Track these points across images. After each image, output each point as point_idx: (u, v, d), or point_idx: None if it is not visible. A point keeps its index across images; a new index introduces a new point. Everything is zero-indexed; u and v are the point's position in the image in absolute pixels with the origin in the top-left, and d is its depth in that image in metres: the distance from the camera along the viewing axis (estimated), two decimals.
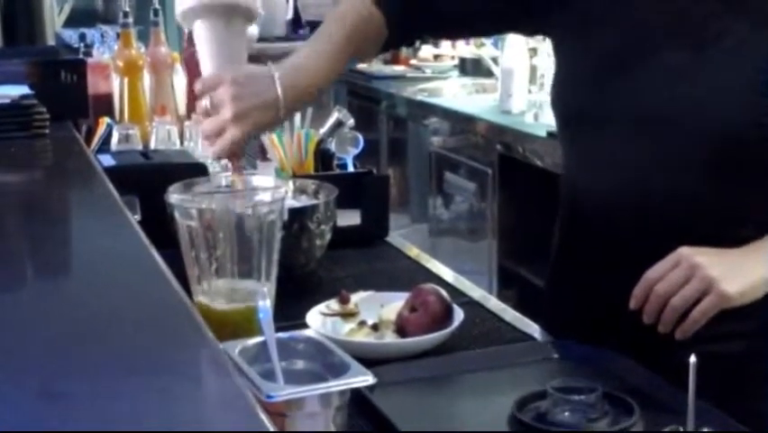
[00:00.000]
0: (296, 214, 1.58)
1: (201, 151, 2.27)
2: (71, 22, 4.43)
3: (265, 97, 1.32)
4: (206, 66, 1.45)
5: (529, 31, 1.71)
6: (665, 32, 1.32)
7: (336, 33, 1.41)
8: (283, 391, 1.04)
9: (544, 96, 3.31)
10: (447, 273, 1.74)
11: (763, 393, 1.35)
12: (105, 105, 2.47)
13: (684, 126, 1.29)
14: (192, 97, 2.60)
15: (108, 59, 2.61)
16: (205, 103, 1.34)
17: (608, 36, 1.37)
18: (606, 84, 1.36)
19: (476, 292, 1.64)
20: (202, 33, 1.44)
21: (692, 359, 1.01)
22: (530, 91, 3.47)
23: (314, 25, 5.73)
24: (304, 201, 1.66)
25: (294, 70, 1.36)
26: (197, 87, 1.35)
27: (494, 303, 1.61)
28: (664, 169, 1.32)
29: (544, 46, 3.38)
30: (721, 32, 1.29)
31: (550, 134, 2.99)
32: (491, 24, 1.60)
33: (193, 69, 2.62)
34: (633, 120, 1.33)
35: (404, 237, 2.08)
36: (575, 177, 1.45)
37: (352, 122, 1.99)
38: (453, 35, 1.77)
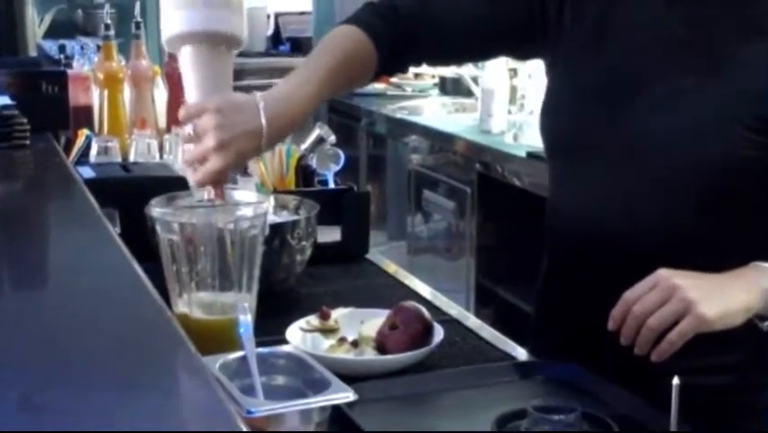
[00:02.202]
0: (276, 229, 1.58)
1: (180, 164, 2.27)
2: (51, 33, 4.42)
3: (249, 127, 1.30)
4: (191, 93, 1.43)
5: (521, 56, 1.65)
6: (657, 63, 1.32)
7: (325, 62, 1.40)
8: (263, 407, 1.04)
9: (524, 116, 3.33)
10: (426, 291, 1.74)
11: (749, 427, 1.35)
12: (84, 117, 2.46)
13: (672, 156, 1.29)
14: (172, 111, 2.60)
15: (88, 71, 2.60)
16: (188, 130, 1.32)
17: (599, 64, 1.37)
18: (595, 112, 1.36)
19: (454, 310, 1.64)
20: (187, 60, 1.43)
21: (675, 381, 1.01)
22: (510, 111, 3.48)
23: (294, 41, 5.77)
24: (285, 217, 1.66)
25: (280, 99, 1.34)
26: (181, 114, 1.34)
27: (472, 321, 1.61)
28: (651, 197, 1.32)
29: (525, 67, 3.39)
30: (718, 63, 1.29)
31: (529, 155, 3.00)
32: (483, 51, 1.59)
33: (174, 83, 2.62)
34: (620, 149, 1.33)
35: (382, 254, 2.08)
36: (562, 203, 1.45)
37: (333, 138, 1.99)
38: (444, 62, 1.73)
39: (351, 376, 1.18)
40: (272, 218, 1.59)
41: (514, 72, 3.48)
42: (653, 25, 1.34)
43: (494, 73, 3.40)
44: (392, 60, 1.46)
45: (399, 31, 1.44)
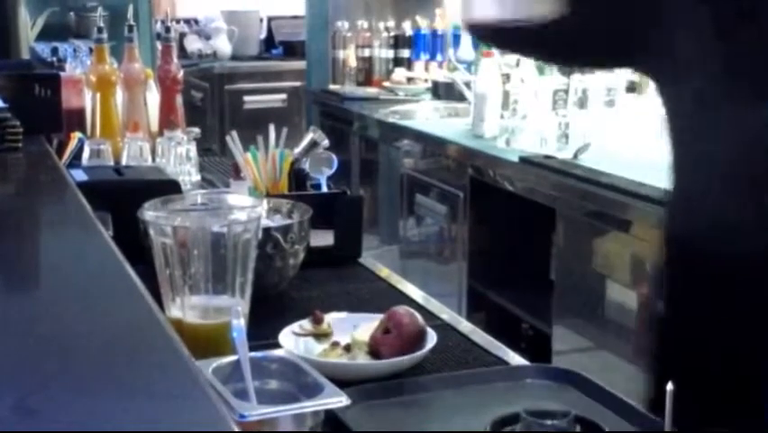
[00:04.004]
0: (269, 233, 1.58)
1: (173, 167, 2.26)
2: (44, 35, 4.41)
3: None
4: None
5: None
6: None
7: None
8: (256, 411, 1.03)
9: (517, 121, 3.33)
10: (418, 295, 1.74)
11: None
12: (77, 119, 2.46)
13: None
14: (165, 114, 2.60)
15: (81, 74, 2.60)
16: None
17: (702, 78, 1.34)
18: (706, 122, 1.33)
19: (446, 315, 1.64)
20: None
21: (669, 387, 1.01)
22: (502, 116, 3.48)
23: (286, 45, 5.77)
24: (278, 221, 1.66)
25: None
26: None
27: (465, 325, 1.61)
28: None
29: (517, 72, 3.40)
30: None
31: (521, 159, 3.01)
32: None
33: (166, 87, 2.62)
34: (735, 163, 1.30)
35: (374, 258, 2.08)
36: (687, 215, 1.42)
37: (326, 142, 1.99)
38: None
39: (344, 380, 1.18)
40: (265, 222, 1.59)
41: (506, 77, 3.48)
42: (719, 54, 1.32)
43: (487, 78, 3.40)
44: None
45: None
